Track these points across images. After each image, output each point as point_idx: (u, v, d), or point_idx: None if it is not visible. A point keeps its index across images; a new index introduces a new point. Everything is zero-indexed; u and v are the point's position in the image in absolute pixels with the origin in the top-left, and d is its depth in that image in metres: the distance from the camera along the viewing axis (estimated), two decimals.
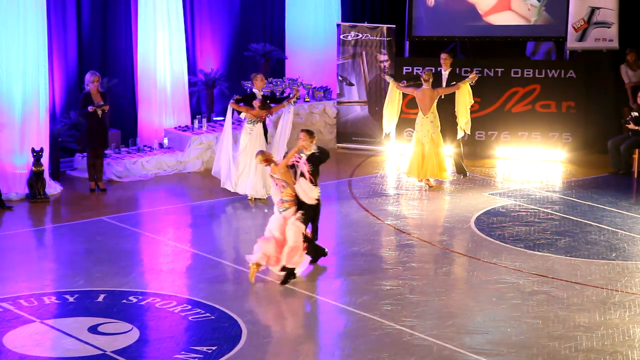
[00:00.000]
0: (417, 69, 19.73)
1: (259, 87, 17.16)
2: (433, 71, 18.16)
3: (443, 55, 18.49)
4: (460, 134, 18.14)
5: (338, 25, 20.71)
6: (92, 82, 17.26)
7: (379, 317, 12.52)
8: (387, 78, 18.31)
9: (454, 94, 17.92)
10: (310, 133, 13.83)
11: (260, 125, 16.85)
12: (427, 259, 14.57)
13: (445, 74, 18.40)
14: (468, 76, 18.08)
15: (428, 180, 17.92)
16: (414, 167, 17.90)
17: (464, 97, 17.92)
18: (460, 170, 18.44)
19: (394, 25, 20.58)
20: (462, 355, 11.52)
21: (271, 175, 13.65)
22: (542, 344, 11.78)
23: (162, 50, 19.12)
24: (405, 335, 12.04)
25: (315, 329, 12.35)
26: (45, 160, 17.03)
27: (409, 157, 18.08)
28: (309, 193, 13.50)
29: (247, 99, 16.99)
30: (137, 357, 11.41)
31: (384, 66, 20.37)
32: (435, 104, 17.67)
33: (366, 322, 12.39)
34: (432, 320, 12.41)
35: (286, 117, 17.08)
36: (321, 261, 14.22)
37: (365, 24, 20.69)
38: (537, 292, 13.34)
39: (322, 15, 21.10)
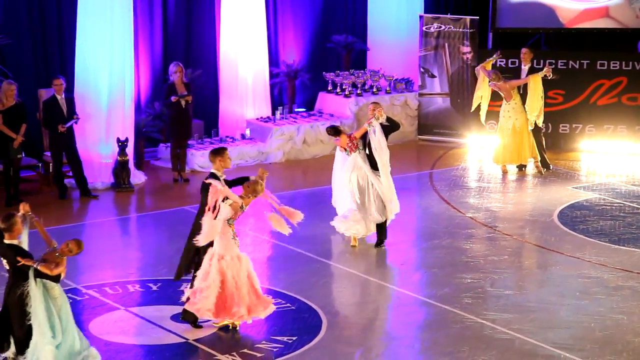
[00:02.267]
0: (500, 62, 19.58)
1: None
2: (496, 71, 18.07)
3: (523, 50, 18.35)
4: (530, 127, 17.98)
5: (421, 17, 20.65)
6: (175, 72, 17.45)
7: (460, 310, 12.49)
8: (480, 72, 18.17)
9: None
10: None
11: (355, 154, 14.52)
12: (508, 252, 14.48)
13: (525, 68, 18.25)
14: (542, 69, 17.94)
15: (505, 167, 17.96)
16: (500, 155, 18.02)
17: (535, 89, 17.79)
18: (543, 163, 18.27)
19: (477, 17, 20.45)
20: (545, 349, 11.44)
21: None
22: (626, 340, 11.64)
23: (244, 42, 19.24)
24: (486, 328, 11.99)
25: (395, 321, 12.35)
26: (130, 150, 17.25)
27: (495, 146, 18.07)
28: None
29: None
30: (219, 346, 11.53)
31: (467, 58, 20.27)
32: (516, 93, 17.65)
33: (446, 315, 12.37)
34: (514, 314, 12.35)
35: (376, 137, 14.56)
36: (402, 253, 14.21)
37: (449, 16, 20.60)
38: (622, 287, 13.18)
39: (404, 6, 21.05)
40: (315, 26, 21.05)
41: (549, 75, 17.79)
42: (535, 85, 17.79)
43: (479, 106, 18.11)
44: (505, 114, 17.89)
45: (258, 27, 19.40)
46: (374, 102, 14.52)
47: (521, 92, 17.83)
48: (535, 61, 18.70)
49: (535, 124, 17.97)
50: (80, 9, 17.06)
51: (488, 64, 18.02)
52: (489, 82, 17.87)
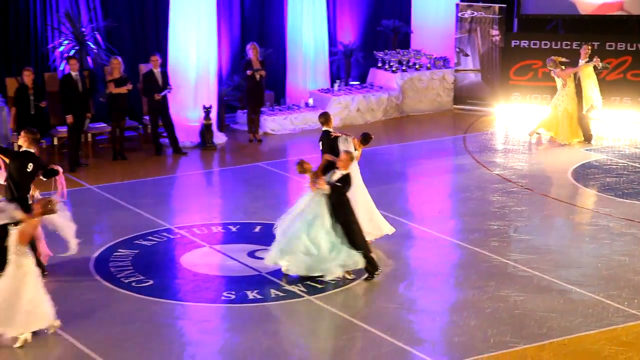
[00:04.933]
0: (523, 43, 19.35)
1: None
2: (554, 60, 17.67)
3: (584, 47, 17.94)
4: (585, 108, 17.68)
5: (457, 5, 20.42)
6: (250, 49, 17.47)
7: (488, 251, 12.46)
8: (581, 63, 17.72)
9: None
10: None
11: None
12: (529, 204, 14.40)
13: (582, 62, 17.86)
14: (592, 60, 17.65)
15: (539, 134, 17.74)
16: (547, 122, 17.74)
17: (588, 77, 17.55)
18: (587, 136, 17.89)
19: (505, 5, 20.20)
20: (559, 285, 11.40)
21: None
22: (628, 278, 11.57)
23: (308, 25, 19.18)
24: (510, 267, 11.97)
25: (433, 260, 12.35)
26: (213, 115, 17.31)
27: (545, 117, 17.78)
28: None
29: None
30: (287, 278, 11.61)
31: (495, 40, 20.04)
32: (571, 81, 17.42)
33: (476, 256, 12.36)
34: (533, 255, 12.30)
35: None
36: (440, 204, 14.16)
37: (480, 4, 20.33)
38: (625, 233, 13.07)
39: None
40: (367, 12, 20.89)
41: (598, 66, 17.57)
42: (587, 73, 17.56)
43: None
44: (559, 97, 17.54)
45: (319, 13, 19.31)
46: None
47: (576, 81, 17.59)
48: (560, 43, 18.38)
49: (592, 106, 17.71)
50: None
51: (587, 66, 17.60)
52: (550, 71, 17.58)
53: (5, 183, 11.26)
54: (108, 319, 10.51)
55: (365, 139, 12.49)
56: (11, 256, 9.75)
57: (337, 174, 11.38)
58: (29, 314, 9.76)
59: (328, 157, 11.85)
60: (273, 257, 11.50)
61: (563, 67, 17.48)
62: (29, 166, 11.17)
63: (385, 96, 19.58)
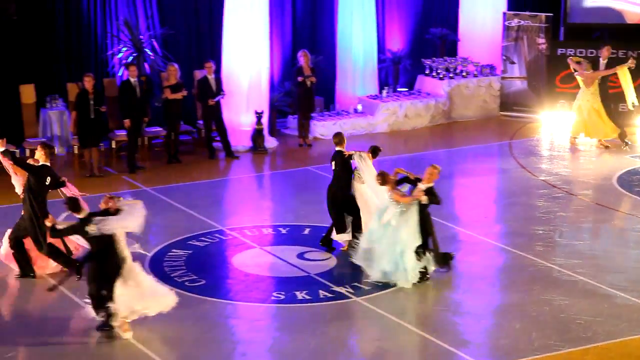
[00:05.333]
0: (569, 51, 19.14)
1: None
2: (589, 62, 17.55)
3: (604, 47, 17.78)
4: (630, 108, 17.52)
5: (504, 14, 20.26)
6: (301, 57, 17.50)
7: (533, 256, 12.33)
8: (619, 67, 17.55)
9: (615, 76, 17.41)
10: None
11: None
12: (574, 209, 14.23)
13: (603, 62, 17.67)
14: (626, 61, 17.45)
15: (601, 141, 17.53)
16: (579, 127, 17.60)
17: (624, 78, 17.34)
18: (622, 138, 17.69)
19: (551, 14, 20.00)
20: (603, 290, 11.25)
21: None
22: None
23: (357, 32, 19.16)
24: (555, 271, 11.84)
25: (479, 264, 12.25)
26: (264, 120, 17.37)
27: (573, 121, 17.67)
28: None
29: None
30: (334, 280, 11.60)
31: (542, 48, 19.85)
32: (596, 82, 17.25)
33: (522, 260, 12.24)
34: (578, 260, 12.15)
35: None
36: (485, 208, 14.06)
37: (527, 13, 20.16)
38: None
39: (490, 4, 20.65)
40: (416, 20, 20.82)
41: (632, 66, 17.36)
42: (623, 75, 17.37)
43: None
44: (583, 97, 17.41)
45: (369, 21, 19.28)
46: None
47: (600, 82, 17.39)
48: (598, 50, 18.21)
49: (634, 105, 17.54)
50: (227, 4, 17.20)
51: (622, 67, 17.45)
52: (575, 72, 17.47)
53: (22, 195, 11.60)
54: (161, 317, 10.56)
55: (374, 152, 12.43)
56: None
57: (421, 186, 11.42)
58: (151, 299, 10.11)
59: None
60: (377, 276, 11.40)
61: (586, 66, 17.30)
62: (47, 180, 11.51)
63: (433, 103, 19.49)
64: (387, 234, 11.34)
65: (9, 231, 11.79)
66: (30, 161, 11.64)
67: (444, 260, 11.70)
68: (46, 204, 11.54)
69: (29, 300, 11.22)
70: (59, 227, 10.22)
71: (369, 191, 12.13)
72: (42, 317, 10.69)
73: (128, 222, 10.02)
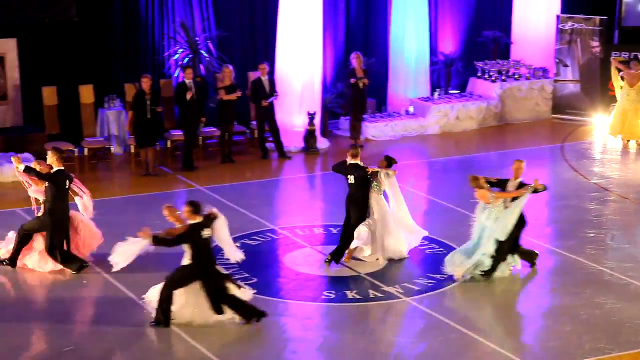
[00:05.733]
0: (624, 54, 18.86)
1: None
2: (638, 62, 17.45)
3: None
4: None
5: (558, 17, 20.04)
6: (354, 59, 17.49)
7: (584, 259, 12.18)
8: None
9: None
10: None
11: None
12: (626, 213, 14.02)
13: None
14: None
15: (627, 142, 17.41)
16: (617, 127, 17.55)
17: None
18: None
19: (606, 17, 19.72)
20: None
21: None
22: None
23: (410, 35, 19.10)
24: (606, 275, 11.67)
25: (527, 266, 12.11)
26: (317, 121, 17.39)
27: (611, 120, 17.54)
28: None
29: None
30: (385, 279, 11.58)
31: (596, 51, 19.58)
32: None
33: (573, 263, 12.09)
34: (630, 264, 11.97)
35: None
36: (536, 211, 13.93)
37: (581, 16, 19.91)
38: None
39: (544, 7, 20.44)
40: (468, 23, 20.69)
41: None
42: None
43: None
44: (626, 97, 17.31)
45: (422, 24, 19.21)
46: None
47: None
48: None
49: None
50: (281, 6, 17.26)
51: None
52: (620, 72, 17.37)
53: (42, 204, 11.76)
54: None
55: (390, 162, 12.18)
56: None
57: (514, 182, 11.65)
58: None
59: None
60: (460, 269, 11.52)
61: (636, 67, 17.11)
62: (67, 183, 11.68)
63: (484, 105, 19.35)
64: (485, 234, 11.41)
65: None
66: (40, 168, 11.66)
67: (531, 258, 11.76)
68: (68, 205, 11.72)
69: (83, 295, 11.36)
70: (161, 236, 10.15)
71: (386, 203, 12.10)
72: (99, 311, 10.83)
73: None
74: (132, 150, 16.44)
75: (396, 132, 18.57)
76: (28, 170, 11.61)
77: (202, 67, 17.38)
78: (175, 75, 17.31)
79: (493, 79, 19.70)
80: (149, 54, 17.57)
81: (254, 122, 17.28)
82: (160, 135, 16.53)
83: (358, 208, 11.96)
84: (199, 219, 10.08)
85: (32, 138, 16.27)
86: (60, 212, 11.65)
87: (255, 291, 10.71)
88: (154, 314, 10.28)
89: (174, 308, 10.18)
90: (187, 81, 15.98)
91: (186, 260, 10.15)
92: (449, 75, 20.23)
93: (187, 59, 17.25)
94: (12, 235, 12.05)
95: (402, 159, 17.21)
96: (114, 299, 11.03)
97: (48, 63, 16.73)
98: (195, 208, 10.06)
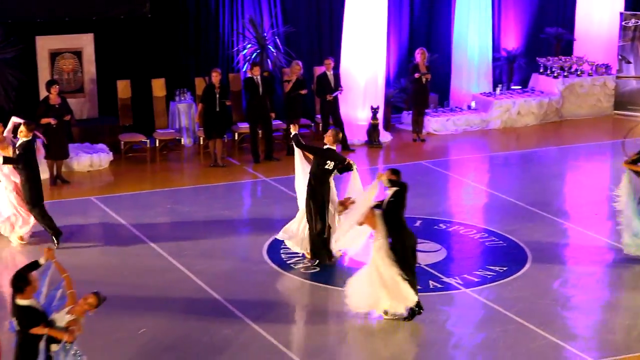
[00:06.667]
0: None
1: None
2: None
3: None
4: None
5: (621, 14, 19.65)
6: (419, 54, 17.40)
7: None
8: None
9: None
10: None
11: None
12: None
13: None
14: None
15: None
16: None
17: None
18: None
19: None
20: None
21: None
22: None
23: (473, 31, 18.91)
24: None
25: (587, 259, 11.91)
26: (380, 115, 17.35)
27: None
28: None
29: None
30: (444, 271, 11.52)
31: None
32: None
33: (631, 258, 11.83)
34: None
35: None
36: (596, 205, 13.69)
37: None
38: None
39: (607, 4, 20.05)
40: (531, 20, 20.40)
41: None
42: None
43: None
44: None
45: (485, 20, 19.01)
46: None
47: None
48: None
49: None
50: (347, 3, 17.23)
51: None
52: None
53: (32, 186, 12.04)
54: (275, 299, 10.73)
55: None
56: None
57: None
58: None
59: None
60: None
61: None
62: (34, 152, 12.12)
63: (546, 100, 19.08)
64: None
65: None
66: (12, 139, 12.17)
67: None
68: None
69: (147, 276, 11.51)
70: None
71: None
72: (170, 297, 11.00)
73: None
74: (201, 142, 16.62)
75: (458, 127, 18.42)
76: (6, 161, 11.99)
77: (269, 62, 17.47)
78: (244, 69, 17.43)
79: (555, 74, 19.41)
80: (219, 49, 17.72)
81: (319, 116, 17.31)
82: (228, 127, 16.67)
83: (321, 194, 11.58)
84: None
85: (106, 129, 16.55)
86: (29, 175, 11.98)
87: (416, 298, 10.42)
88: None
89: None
90: (254, 76, 16.07)
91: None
92: (511, 71, 19.99)
93: (255, 54, 17.35)
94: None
95: (464, 152, 17.20)
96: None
97: (122, 57, 16.99)
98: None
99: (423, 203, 13.87)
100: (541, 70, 19.62)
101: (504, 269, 11.50)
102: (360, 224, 10.18)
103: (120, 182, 14.95)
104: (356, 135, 17.33)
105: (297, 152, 11.89)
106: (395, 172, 10.17)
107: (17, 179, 12.14)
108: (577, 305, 10.62)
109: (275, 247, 12.24)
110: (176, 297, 10.86)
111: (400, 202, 9.99)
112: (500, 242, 12.43)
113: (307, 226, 11.69)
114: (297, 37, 18.10)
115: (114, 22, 16.88)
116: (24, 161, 11.92)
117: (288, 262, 11.81)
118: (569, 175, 15.80)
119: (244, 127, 16.71)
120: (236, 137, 16.91)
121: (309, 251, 11.77)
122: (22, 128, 12.01)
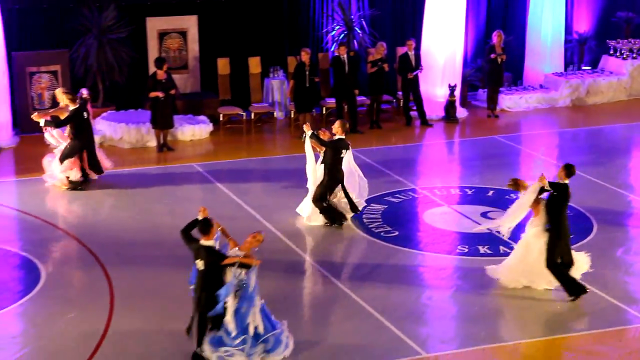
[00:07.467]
0: None
1: None
2: None
3: None
4: None
5: None
6: (495, 36, 17.22)
7: None
8: None
9: None
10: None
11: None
12: None
13: None
14: None
15: None
16: None
17: None
18: None
19: None
20: None
21: None
22: None
23: (547, 14, 18.58)
24: None
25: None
26: (457, 92, 17.26)
27: None
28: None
29: None
30: (515, 237, 11.46)
31: None
32: None
33: None
34: None
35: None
36: None
37: None
38: None
39: None
40: (603, 4, 19.93)
41: None
42: None
43: None
44: None
45: (559, 4, 18.64)
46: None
47: None
48: None
49: None
50: None
51: None
52: None
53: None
54: (357, 261, 10.91)
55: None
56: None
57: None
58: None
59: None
60: None
61: None
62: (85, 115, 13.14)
63: (615, 80, 18.68)
64: None
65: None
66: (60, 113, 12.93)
67: None
68: None
69: None
70: None
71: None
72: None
73: None
74: (292, 115, 16.84)
75: (530, 104, 18.20)
76: (48, 123, 12.92)
77: (355, 42, 17.54)
78: (332, 49, 17.54)
79: (624, 56, 18.96)
80: (309, 30, 17.86)
81: (400, 92, 17.33)
82: (317, 102, 16.84)
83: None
84: None
85: (207, 103, 16.91)
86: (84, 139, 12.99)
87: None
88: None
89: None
90: (341, 56, 16.18)
91: None
92: (582, 53, 19.61)
93: (342, 35, 17.44)
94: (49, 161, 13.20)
95: (535, 128, 17.02)
96: None
97: (223, 37, 17.27)
98: None
99: (495, 175, 13.84)
100: (611, 52, 19.19)
101: (571, 236, 11.38)
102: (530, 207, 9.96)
103: (219, 151, 15.31)
104: (435, 111, 17.30)
105: (308, 142, 11.94)
106: (567, 167, 9.89)
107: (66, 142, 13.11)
108: (638, 271, 10.50)
109: (359, 213, 12.40)
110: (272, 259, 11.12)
111: (562, 198, 9.85)
112: (568, 212, 12.29)
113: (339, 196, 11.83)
114: (382, 19, 18.10)
115: (216, 5, 17.16)
116: (74, 125, 12.91)
117: (369, 226, 11.96)
118: (634, 151, 15.50)
119: (331, 102, 16.86)
120: (324, 111, 17.08)
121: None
122: (67, 97, 12.95)
